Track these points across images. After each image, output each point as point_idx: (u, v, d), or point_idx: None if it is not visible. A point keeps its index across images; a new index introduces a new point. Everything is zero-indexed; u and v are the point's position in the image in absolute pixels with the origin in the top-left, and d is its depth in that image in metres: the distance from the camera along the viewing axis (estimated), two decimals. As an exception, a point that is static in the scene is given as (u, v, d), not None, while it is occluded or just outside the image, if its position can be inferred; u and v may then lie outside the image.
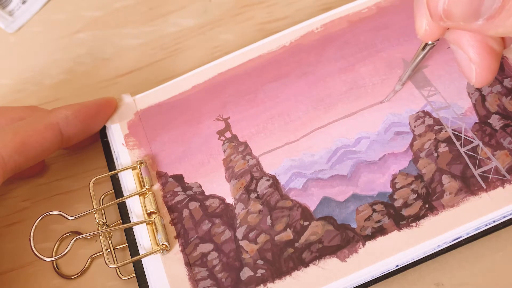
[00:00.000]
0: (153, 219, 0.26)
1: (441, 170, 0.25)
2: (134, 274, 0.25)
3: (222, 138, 0.28)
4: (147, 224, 0.26)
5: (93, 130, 0.29)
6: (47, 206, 0.29)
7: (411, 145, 0.26)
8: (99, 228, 0.26)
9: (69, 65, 0.34)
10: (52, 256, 0.25)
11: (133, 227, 0.26)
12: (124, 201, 0.27)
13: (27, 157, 0.25)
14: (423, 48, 0.25)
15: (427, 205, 0.24)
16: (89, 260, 0.27)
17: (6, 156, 0.25)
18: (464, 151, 0.25)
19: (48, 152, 0.27)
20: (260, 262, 0.24)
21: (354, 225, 0.24)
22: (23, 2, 0.35)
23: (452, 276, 0.24)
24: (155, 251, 0.25)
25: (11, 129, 0.25)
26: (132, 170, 0.28)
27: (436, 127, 0.26)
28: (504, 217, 0.23)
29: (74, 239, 0.25)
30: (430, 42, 0.24)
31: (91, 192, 0.27)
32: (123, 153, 0.28)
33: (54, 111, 0.27)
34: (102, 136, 0.29)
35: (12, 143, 0.25)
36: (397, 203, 0.25)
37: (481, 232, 0.23)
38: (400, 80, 0.27)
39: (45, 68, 0.34)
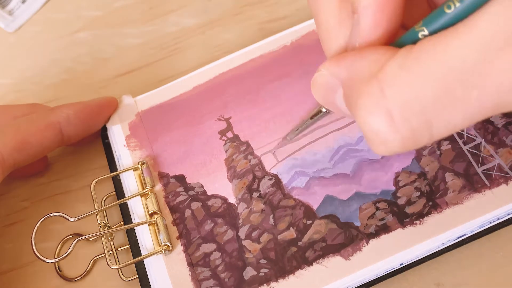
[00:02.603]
0: (155, 219, 0.26)
1: (444, 167, 0.25)
2: (137, 275, 0.25)
3: (224, 138, 0.28)
4: (149, 225, 0.26)
5: (93, 130, 0.29)
6: (47, 206, 0.29)
7: (414, 143, 0.26)
8: (101, 229, 0.26)
9: (69, 65, 0.34)
10: (54, 258, 0.25)
11: (135, 228, 0.26)
12: (126, 202, 0.27)
13: (26, 155, 0.25)
14: (314, 115, 0.22)
15: (430, 203, 0.24)
16: (91, 262, 0.27)
17: (6, 154, 0.24)
18: (467, 149, 0.25)
19: (48, 150, 0.27)
20: (263, 261, 0.24)
21: (357, 223, 0.24)
22: (23, 2, 0.35)
23: (453, 276, 0.24)
24: (157, 252, 0.25)
25: (12, 127, 0.25)
26: (134, 171, 0.27)
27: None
28: (508, 214, 0.23)
29: (76, 240, 0.25)
30: (324, 110, 0.22)
31: (92, 193, 0.27)
32: (125, 154, 0.28)
33: (56, 110, 0.27)
34: (103, 137, 0.29)
35: (12, 142, 0.25)
36: (401, 201, 0.24)
37: (484, 230, 0.23)
38: (288, 137, 0.26)
39: (45, 67, 0.34)
